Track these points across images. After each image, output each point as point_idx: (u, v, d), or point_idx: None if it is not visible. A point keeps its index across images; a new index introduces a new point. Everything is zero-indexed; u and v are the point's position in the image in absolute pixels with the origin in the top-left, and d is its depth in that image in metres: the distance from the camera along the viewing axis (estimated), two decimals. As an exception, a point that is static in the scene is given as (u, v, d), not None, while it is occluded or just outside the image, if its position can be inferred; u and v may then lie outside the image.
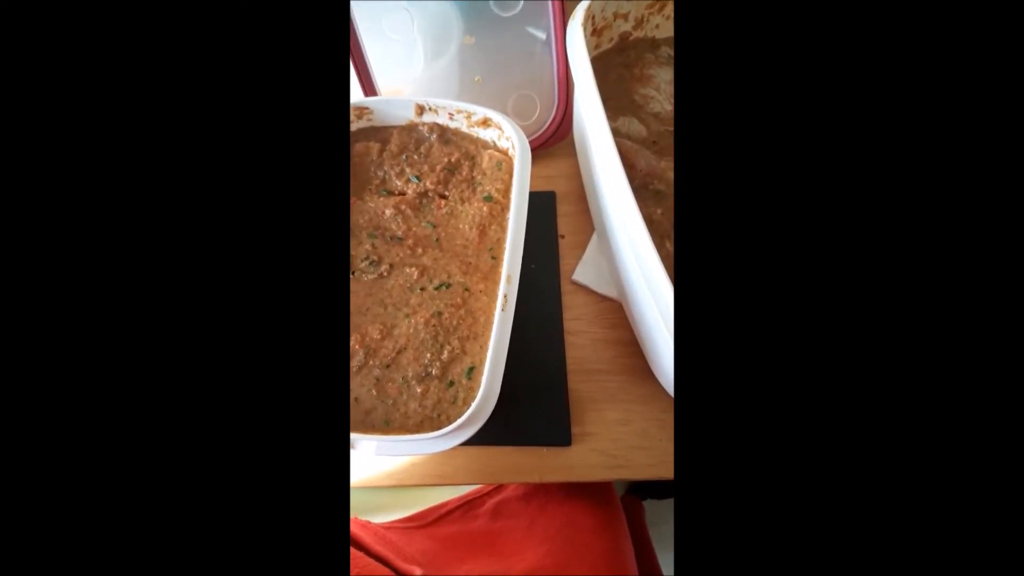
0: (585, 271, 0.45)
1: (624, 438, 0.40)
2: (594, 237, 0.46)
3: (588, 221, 0.47)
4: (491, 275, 0.36)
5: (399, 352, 0.33)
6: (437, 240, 0.38)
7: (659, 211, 0.36)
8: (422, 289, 0.36)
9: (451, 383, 0.33)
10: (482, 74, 0.47)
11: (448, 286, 0.35)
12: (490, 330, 0.32)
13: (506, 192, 0.38)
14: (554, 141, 0.49)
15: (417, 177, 0.39)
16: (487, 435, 0.31)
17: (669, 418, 0.40)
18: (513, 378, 0.31)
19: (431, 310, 0.34)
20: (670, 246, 0.34)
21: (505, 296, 0.32)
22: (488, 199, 0.38)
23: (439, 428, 0.30)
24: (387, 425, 0.32)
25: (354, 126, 0.41)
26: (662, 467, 0.39)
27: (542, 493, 0.47)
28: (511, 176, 0.37)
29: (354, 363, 0.33)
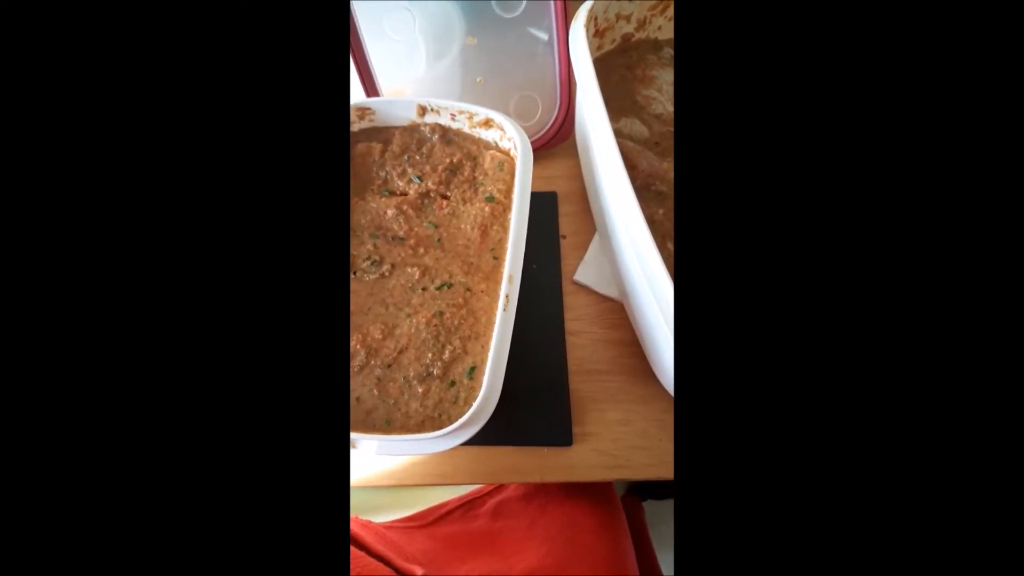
0: (586, 271, 0.45)
1: (624, 438, 0.40)
2: (596, 237, 0.46)
3: (589, 221, 0.47)
4: (493, 275, 0.36)
5: (400, 352, 0.33)
6: (439, 240, 0.38)
7: (661, 212, 0.36)
8: (424, 289, 0.36)
9: (452, 383, 0.33)
10: (484, 75, 0.47)
11: (450, 286, 0.36)
12: (491, 330, 0.32)
13: (508, 192, 0.38)
14: (556, 142, 0.49)
15: (419, 177, 0.39)
16: (488, 435, 0.32)
17: (669, 418, 0.40)
18: (514, 378, 0.31)
19: (433, 310, 0.34)
20: (671, 246, 0.34)
21: (507, 296, 0.32)
22: (490, 199, 0.38)
23: (440, 428, 0.30)
24: (388, 425, 0.32)
25: (356, 126, 0.41)
26: (662, 467, 0.39)
27: (543, 493, 0.47)
28: (513, 177, 0.37)
29: (356, 363, 0.33)
